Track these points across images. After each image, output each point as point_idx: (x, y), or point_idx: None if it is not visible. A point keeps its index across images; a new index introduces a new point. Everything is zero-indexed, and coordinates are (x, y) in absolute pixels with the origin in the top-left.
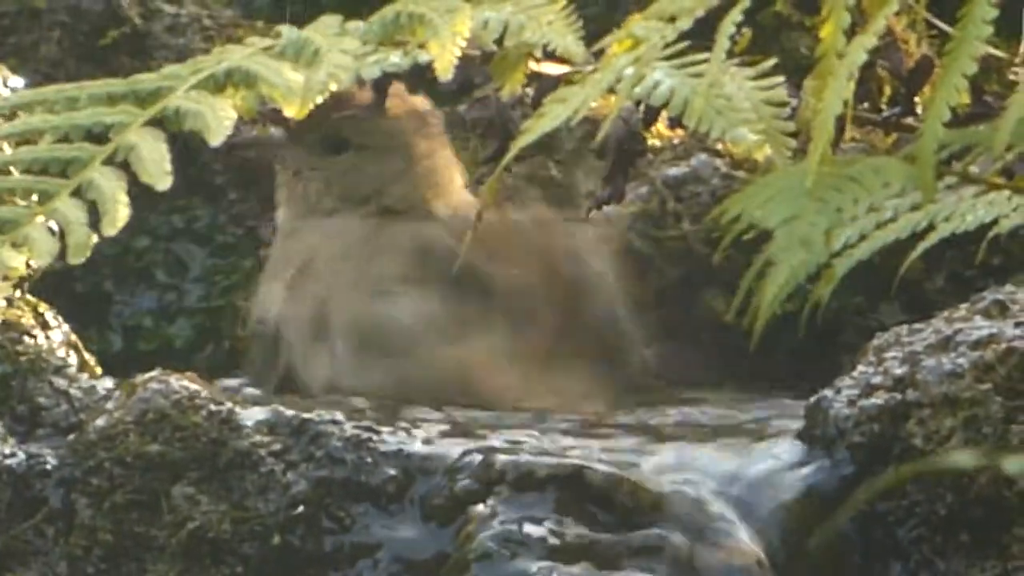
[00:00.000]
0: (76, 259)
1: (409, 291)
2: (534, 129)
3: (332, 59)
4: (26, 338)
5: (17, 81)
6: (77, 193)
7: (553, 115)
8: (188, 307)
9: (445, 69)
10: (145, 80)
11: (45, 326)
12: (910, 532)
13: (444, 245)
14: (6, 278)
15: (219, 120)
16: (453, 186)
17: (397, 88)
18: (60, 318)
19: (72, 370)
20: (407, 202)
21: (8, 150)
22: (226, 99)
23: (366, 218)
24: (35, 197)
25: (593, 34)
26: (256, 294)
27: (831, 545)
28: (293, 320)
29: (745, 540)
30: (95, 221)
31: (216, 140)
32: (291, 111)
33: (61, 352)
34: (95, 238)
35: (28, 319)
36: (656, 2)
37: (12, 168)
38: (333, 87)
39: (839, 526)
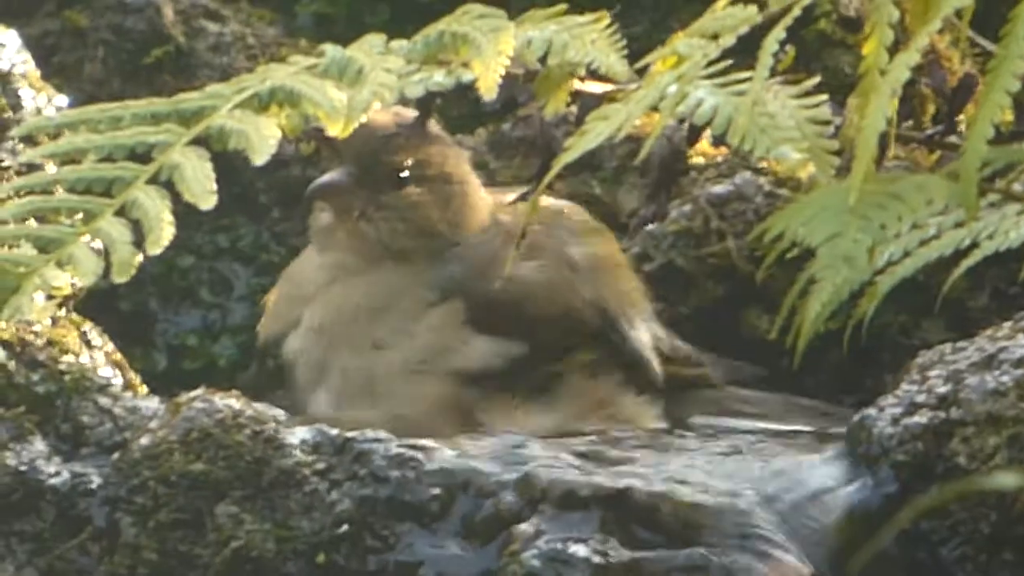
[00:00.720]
0: (120, 278)
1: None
2: (577, 147)
3: (376, 78)
4: (70, 357)
5: (62, 100)
6: (121, 212)
7: (596, 133)
8: (232, 326)
9: (489, 88)
10: (189, 99)
11: (89, 345)
12: (954, 551)
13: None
14: (51, 297)
15: (263, 139)
16: (485, 210)
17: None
18: (104, 337)
19: (116, 389)
20: (458, 233)
21: (52, 169)
22: (270, 118)
23: (411, 267)
24: (79, 216)
25: (637, 52)
26: (273, 313)
27: (874, 564)
28: (303, 360)
29: (789, 558)
30: (139, 240)
31: (260, 159)
32: (335, 130)
33: (105, 371)
34: (140, 257)
35: (72, 338)
36: (699, 20)
37: (57, 187)
38: (377, 106)
39: (883, 545)
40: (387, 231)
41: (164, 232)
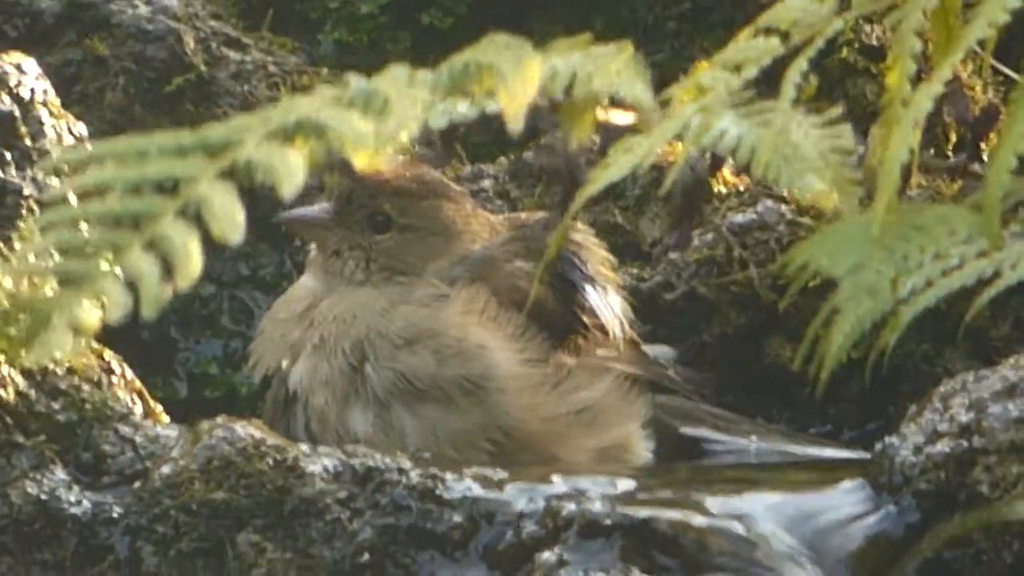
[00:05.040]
0: (149, 313)
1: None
2: (600, 180)
3: (402, 109)
4: (91, 386)
5: (82, 128)
6: (149, 246)
7: (619, 165)
8: None
9: (515, 117)
10: (214, 132)
11: (110, 373)
12: None
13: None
14: (78, 333)
15: (290, 171)
16: (458, 253)
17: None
18: (125, 365)
19: (137, 417)
20: (443, 276)
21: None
22: (296, 150)
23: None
24: (107, 251)
25: (660, 79)
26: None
27: None
28: (323, 384)
29: None
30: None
31: (288, 192)
32: (361, 161)
33: (126, 399)
34: (168, 292)
35: (93, 366)
36: (722, 51)
37: (82, 221)
38: (404, 137)
39: (905, 574)
40: (352, 268)
41: (193, 266)
